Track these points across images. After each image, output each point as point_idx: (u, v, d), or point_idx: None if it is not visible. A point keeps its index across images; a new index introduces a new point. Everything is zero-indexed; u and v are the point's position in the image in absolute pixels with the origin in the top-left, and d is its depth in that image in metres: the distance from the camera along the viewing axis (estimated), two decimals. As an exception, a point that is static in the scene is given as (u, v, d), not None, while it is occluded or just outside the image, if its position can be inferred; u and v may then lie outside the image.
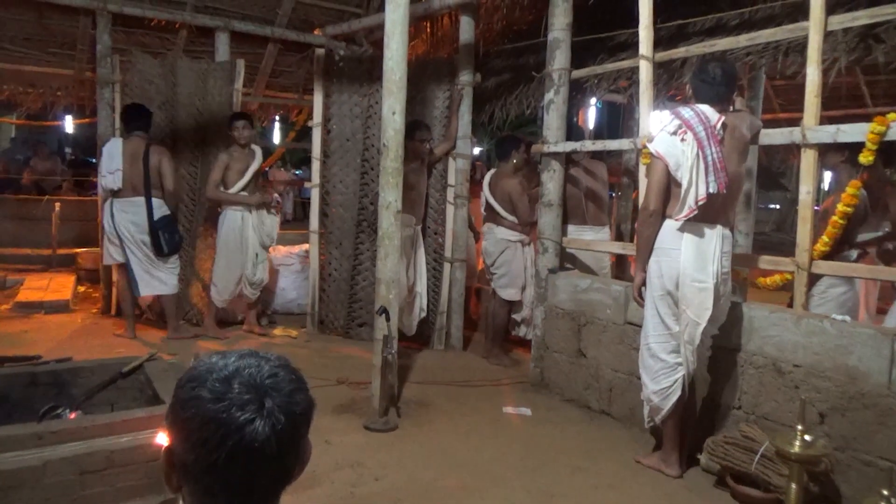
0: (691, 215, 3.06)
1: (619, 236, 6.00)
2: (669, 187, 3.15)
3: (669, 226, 3.16)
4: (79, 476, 2.51)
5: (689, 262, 3.09)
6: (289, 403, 0.96)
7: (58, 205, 8.26)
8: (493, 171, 5.54)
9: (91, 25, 6.03)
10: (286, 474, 0.99)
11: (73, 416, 2.96)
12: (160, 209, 5.20)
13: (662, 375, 3.22)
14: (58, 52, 6.48)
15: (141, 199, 5.14)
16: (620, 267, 5.74)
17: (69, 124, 14.99)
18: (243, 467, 0.93)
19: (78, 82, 6.84)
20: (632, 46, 4.51)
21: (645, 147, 3.74)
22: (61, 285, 6.81)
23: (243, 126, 5.45)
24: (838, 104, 7.34)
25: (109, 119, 5.96)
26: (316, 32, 6.68)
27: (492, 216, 5.33)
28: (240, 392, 0.93)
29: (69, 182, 11.38)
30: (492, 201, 5.29)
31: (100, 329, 5.61)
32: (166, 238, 5.20)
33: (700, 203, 3.03)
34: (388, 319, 3.82)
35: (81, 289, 7.05)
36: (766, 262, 3.61)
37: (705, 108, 3.11)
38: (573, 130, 4.95)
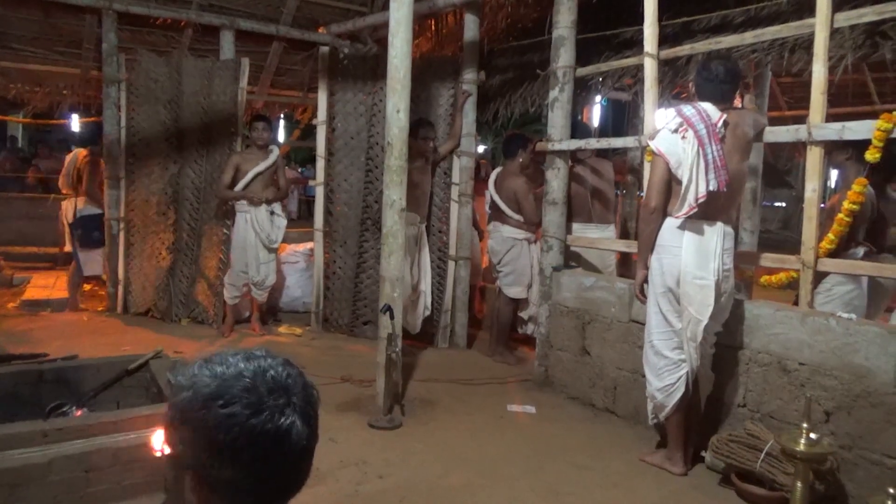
0: (692, 213, 3.06)
1: (624, 234, 5.99)
2: (671, 185, 3.15)
3: (670, 223, 3.16)
4: (84, 473, 2.53)
5: (689, 259, 3.09)
6: (307, 396, 0.99)
7: (64, 203, 8.28)
8: (498, 169, 5.53)
9: (97, 24, 6.05)
10: (309, 472, 1.02)
11: (78, 413, 2.97)
12: (83, 209, 6.10)
13: (666, 372, 3.22)
14: (64, 50, 6.50)
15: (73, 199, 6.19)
16: (625, 265, 5.72)
17: (75, 123, 15.01)
18: (292, 466, 0.96)
19: (84, 81, 6.87)
20: (637, 44, 4.49)
21: (648, 145, 3.74)
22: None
23: (263, 128, 5.56)
24: (845, 102, 7.30)
25: (115, 117, 5.99)
26: (320, 31, 6.68)
27: (497, 215, 5.33)
28: (272, 397, 0.94)
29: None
30: (497, 200, 5.29)
31: (106, 327, 5.63)
32: (78, 234, 6.10)
33: (700, 201, 3.03)
34: (392, 317, 3.83)
35: (87, 287, 7.07)
36: (771, 259, 3.60)
37: (707, 106, 3.10)
38: (578, 128, 4.94)
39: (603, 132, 9.53)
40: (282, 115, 11.13)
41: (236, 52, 6.36)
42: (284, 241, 6.33)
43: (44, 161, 11.59)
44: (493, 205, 5.35)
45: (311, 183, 6.91)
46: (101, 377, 3.31)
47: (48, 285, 6.72)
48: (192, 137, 5.94)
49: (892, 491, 2.24)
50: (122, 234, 6.05)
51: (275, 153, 5.64)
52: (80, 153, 6.37)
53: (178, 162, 5.97)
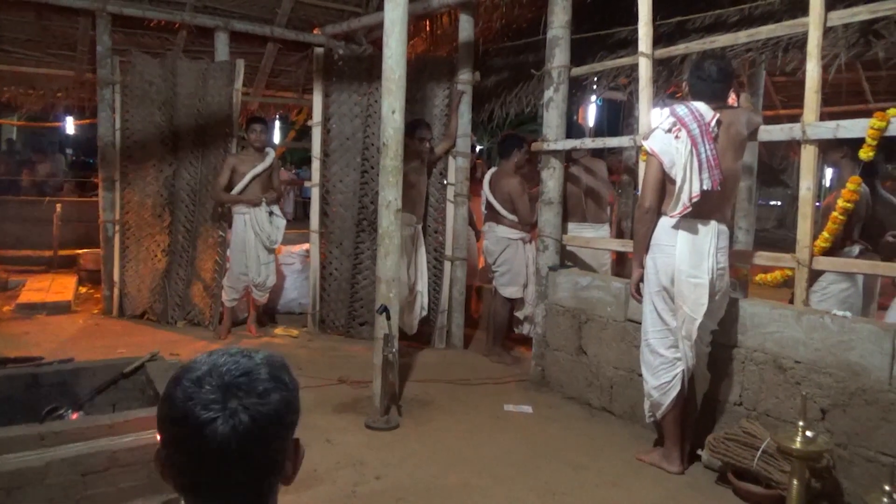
0: (686, 212, 3.07)
1: (619, 234, 6.00)
2: (665, 184, 3.17)
3: (665, 223, 3.18)
4: (81, 476, 2.52)
5: (683, 258, 3.10)
6: (256, 404, 0.94)
7: (59, 206, 8.27)
8: (493, 169, 5.54)
9: (91, 26, 6.04)
10: (257, 476, 0.96)
11: (75, 416, 2.96)
12: None
13: (662, 370, 3.23)
14: (58, 53, 6.49)
15: None
16: (621, 264, 5.73)
17: (70, 125, 14.98)
18: (208, 467, 0.93)
19: (78, 83, 6.86)
20: (631, 43, 4.50)
21: (643, 145, 3.75)
22: (63, 286, 6.82)
23: (261, 130, 5.57)
24: (840, 100, 7.33)
25: (110, 120, 5.98)
26: (315, 32, 6.68)
27: (492, 215, 5.33)
28: (206, 391, 0.93)
29: (70, 183, 11.39)
30: (492, 200, 5.29)
31: (102, 330, 5.62)
32: None
33: (694, 200, 3.04)
34: (388, 318, 3.83)
35: (83, 290, 7.06)
36: (766, 258, 3.62)
37: (700, 106, 3.12)
38: (573, 128, 4.94)
39: (598, 132, 9.56)
40: (277, 117, 11.12)
41: (231, 53, 6.35)
42: (280, 242, 6.34)
43: (41, 164, 11.57)
44: (488, 205, 5.36)
45: (306, 184, 6.91)
46: (97, 380, 3.29)
47: (43, 288, 6.70)
48: (187, 139, 5.93)
49: (887, 488, 2.25)
50: (117, 237, 6.04)
51: (271, 155, 5.64)
52: None
53: (173, 164, 5.96)
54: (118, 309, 6.04)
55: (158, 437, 0.98)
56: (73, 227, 8.43)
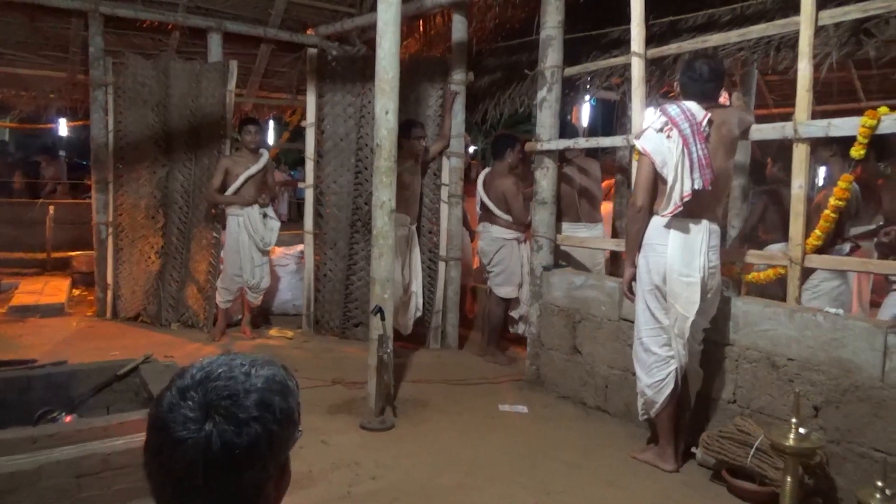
0: (677, 211, 3.08)
1: (614, 233, 6.00)
2: (657, 184, 3.18)
3: (656, 222, 3.19)
4: (75, 479, 2.51)
5: (675, 257, 3.12)
6: (233, 433, 0.89)
7: (52, 208, 8.24)
8: (487, 169, 5.54)
9: (83, 27, 6.02)
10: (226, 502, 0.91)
11: (68, 419, 2.95)
12: None
13: (656, 368, 3.24)
14: (50, 54, 6.46)
15: None
16: (615, 263, 5.74)
17: (63, 127, 14.93)
18: (173, 485, 0.90)
19: (71, 85, 6.83)
20: (624, 43, 4.51)
21: (635, 144, 3.76)
22: (56, 289, 6.80)
23: (255, 131, 5.57)
24: (831, 99, 7.36)
25: (103, 121, 5.96)
26: (309, 32, 6.67)
27: (487, 215, 5.33)
28: (187, 407, 0.90)
29: (63, 185, 11.35)
30: (486, 200, 5.29)
31: (95, 332, 5.61)
32: None
33: (685, 199, 3.05)
34: (383, 319, 3.83)
35: (76, 292, 7.04)
36: (758, 256, 3.63)
37: (691, 105, 3.13)
38: (567, 128, 4.95)
39: (592, 132, 9.56)
40: (271, 118, 11.10)
41: (224, 54, 6.34)
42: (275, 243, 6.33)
43: (48, 168, 11.54)
44: (483, 205, 5.36)
45: (300, 185, 6.89)
46: (91, 382, 3.28)
47: (36, 291, 6.67)
48: (181, 141, 5.91)
49: (880, 484, 2.26)
50: (110, 239, 6.02)
51: (265, 156, 5.64)
52: None
53: (166, 165, 5.95)
54: (112, 311, 6.02)
55: None
56: (67, 230, 8.40)
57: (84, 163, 13.49)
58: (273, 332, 5.84)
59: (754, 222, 4.48)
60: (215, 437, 0.88)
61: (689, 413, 3.37)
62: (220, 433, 0.88)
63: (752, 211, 4.68)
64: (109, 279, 6.01)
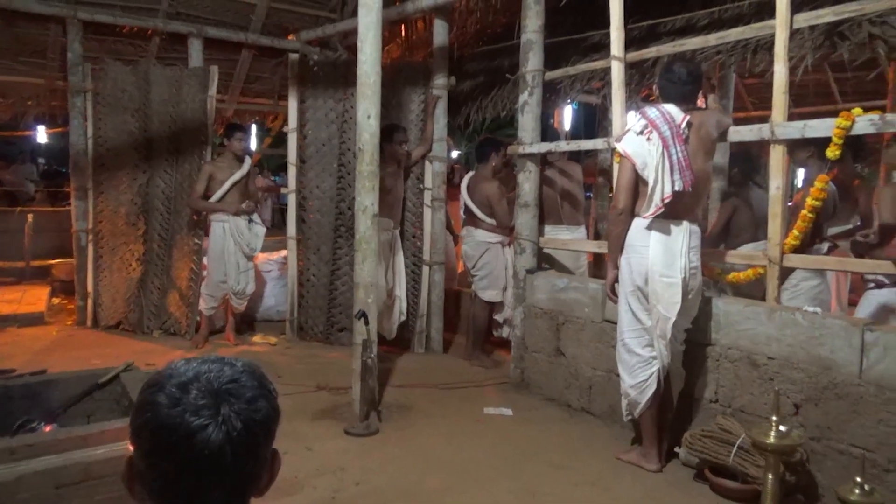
0: (658, 213, 3.11)
1: (596, 235, 6.05)
2: (638, 186, 3.21)
3: (638, 223, 3.22)
4: (55, 490, 2.48)
5: (657, 258, 3.14)
6: (248, 410, 0.93)
7: (30, 216, 8.13)
8: (471, 173, 5.56)
9: (61, 33, 5.96)
10: (242, 486, 0.95)
11: (48, 429, 2.92)
12: None
13: (639, 369, 3.27)
14: (28, 60, 6.39)
15: None
16: (598, 265, 5.78)
17: (41, 134, 14.76)
18: (195, 476, 0.89)
19: (49, 91, 6.76)
20: (604, 47, 4.55)
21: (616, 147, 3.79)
22: (35, 297, 6.71)
23: (242, 138, 5.61)
24: (809, 101, 7.48)
25: (82, 128, 5.90)
26: (290, 38, 6.66)
27: (471, 219, 5.34)
28: (196, 397, 0.91)
29: (42, 193, 11.22)
30: (470, 204, 5.30)
31: (75, 341, 5.54)
32: None
33: (666, 201, 3.08)
34: (367, 323, 3.82)
35: (56, 301, 6.95)
36: (738, 257, 3.67)
37: (671, 108, 3.17)
38: (549, 132, 4.98)
39: (575, 135, 9.63)
40: (253, 123, 11.05)
41: (205, 60, 6.31)
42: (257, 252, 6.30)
43: (5, 174, 11.38)
44: (467, 209, 5.37)
45: (283, 191, 6.87)
46: (71, 391, 3.24)
47: (15, 300, 6.57)
48: (162, 147, 5.87)
49: (858, 479, 2.30)
50: (90, 246, 5.95)
51: (248, 162, 5.65)
52: None
53: (147, 172, 5.90)
54: (92, 319, 5.96)
55: (132, 448, 0.95)
56: (46, 238, 8.29)
57: (63, 170, 13.35)
58: (257, 338, 5.81)
59: (721, 226, 4.55)
60: (234, 418, 0.91)
61: (672, 413, 3.40)
62: (238, 413, 0.91)
63: (718, 215, 4.75)
64: (90, 287, 5.95)
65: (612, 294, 3.41)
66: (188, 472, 0.90)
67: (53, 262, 7.56)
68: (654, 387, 3.24)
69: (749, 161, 4.80)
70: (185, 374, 0.95)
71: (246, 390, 0.95)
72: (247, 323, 6.14)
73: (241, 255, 5.51)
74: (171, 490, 0.91)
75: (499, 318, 5.38)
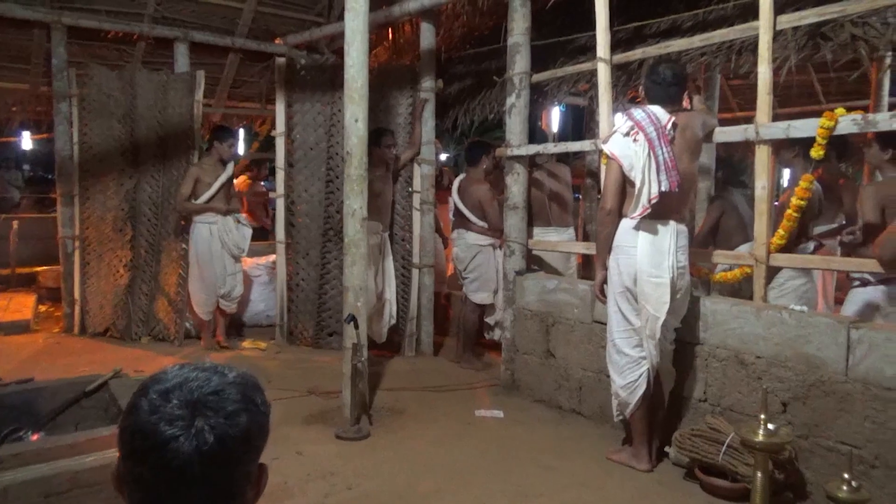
0: (645, 213, 3.13)
1: (585, 237, 6.07)
2: (625, 187, 3.23)
3: (626, 224, 3.24)
4: (43, 499, 2.45)
5: (645, 258, 3.16)
6: (224, 425, 0.91)
7: (15, 223, 8.06)
8: (461, 176, 5.56)
9: (46, 39, 5.92)
10: (222, 500, 0.93)
11: (35, 437, 2.89)
12: None
13: (628, 369, 3.28)
14: (12, 66, 6.36)
15: None
16: (587, 267, 5.80)
17: (27, 140, 14.63)
18: (166, 485, 0.89)
19: (34, 97, 6.72)
20: (590, 49, 4.57)
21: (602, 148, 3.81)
22: (21, 305, 6.65)
23: (233, 144, 5.63)
24: (794, 102, 7.54)
25: (67, 134, 5.86)
26: (277, 42, 6.64)
27: (462, 222, 5.35)
28: (174, 406, 0.91)
29: (28, 199, 11.12)
30: (461, 207, 5.31)
31: (63, 349, 5.49)
32: None
33: (653, 201, 3.10)
34: (356, 327, 3.81)
35: (43, 308, 6.88)
36: (725, 256, 3.70)
37: (656, 109, 3.19)
38: (537, 134, 5.00)
39: (563, 137, 9.66)
40: (241, 128, 11.02)
41: (191, 64, 6.29)
42: (246, 254, 6.28)
43: None
44: (457, 212, 5.38)
45: (271, 195, 6.85)
46: (59, 399, 3.21)
47: (0, 308, 6.51)
48: (148, 152, 5.84)
49: (846, 476, 2.32)
50: (77, 253, 5.91)
51: (230, 164, 5.64)
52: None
53: (133, 177, 5.86)
54: (80, 326, 5.91)
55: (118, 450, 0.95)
56: (32, 245, 8.23)
57: (49, 176, 13.24)
58: (246, 343, 5.78)
59: (709, 228, 4.57)
60: (207, 432, 0.89)
61: (664, 412, 3.41)
62: (213, 426, 0.90)
63: (706, 217, 4.79)
64: (77, 294, 5.90)
65: (602, 295, 3.43)
66: (160, 480, 0.90)
67: (39, 269, 7.50)
68: (643, 387, 3.26)
69: (730, 166, 4.86)
70: (170, 381, 0.94)
71: (227, 403, 0.93)
72: (236, 328, 6.12)
73: (227, 256, 5.51)
74: (147, 497, 0.92)
75: (490, 320, 5.38)
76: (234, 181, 6.10)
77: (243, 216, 5.69)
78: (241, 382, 0.97)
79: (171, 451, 0.88)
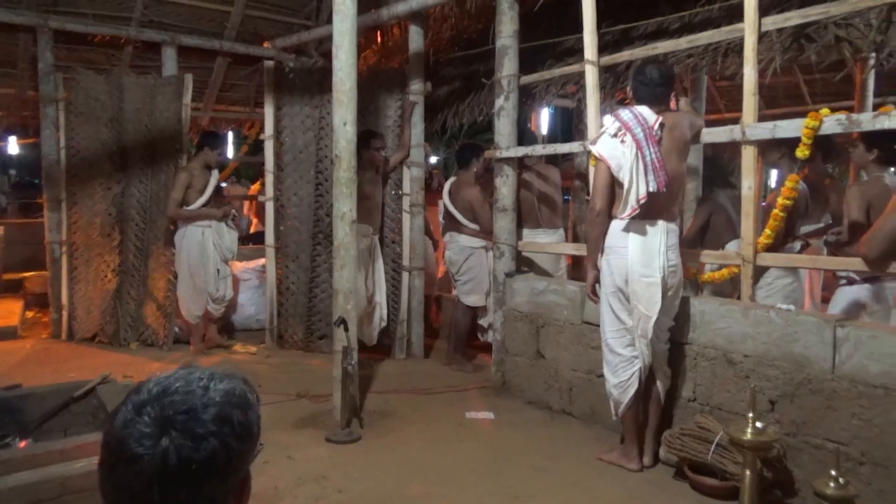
0: (634, 214, 3.15)
1: (575, 238, 6.09)
2: (614, 188, 3.24)
3: (616, 225, 3.26)
4: (31, 505, 2.44)
5: (635, 258, 3.18)
6: (189, 448, 0.88)
7: (1, 228, 8.00)
8: (452, 179, 5.57)
9: (32, 42, 5.88)
10: None
11: (23, 444, 2.87)
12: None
13: (621, 369, 3.30)
14: (-4, 71, 6.31)
15: None
16: (577, 268, 5.82)
17: (13, 145, 14.52)
18: (130, 499, 0.89)
19: (20, 101, 6.67)
20: (578, 51, 4.59)
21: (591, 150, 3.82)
22: (8, 311, 6.59)
23: (221, 153, 5.69)
24: (780, 103, 7.61)
25: (54, 138, 5.82)
26: (265, 45, 6.64)
27: (453, 224, 5.35)
28: (144, 424, 0.89)
29: (13, 205, 11.04)
30: (452, 210, 5.31)
31: (50, 355, 5.45)
32: None
33: (641, 202, 3.12)
34: (346, 330, 3.81)
35: (30, 314, 6.84)
36: (712, 256, 3.72)
37: (643, 110, 3.21)
38: (526, 136, 5.01)
39: (552, 139, 9.72)
40: (230, 131, 11.00)
41: (179, 68, 6.26)
42: (236, 258, 6.27)
43: None
44: (448, 215, 5.38)
45: (260, 198, 6.83)
46: (47, 405, 3.19)
47: (-13, 314, 6.46)
48: (136, 156, 5.81)
49: (833, 473, 2.34)
50: (64, 258, 5.86)
51: (216, 170, 5.69)
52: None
53: (121, 182, 5.83)
54: (67, 332, 5.86)
55: None
56: (18, 250, 8.16)
57: (36, 181, 13.15)
58: (236, 347, 5.77)
59: (697, 228, 4.61)
60: (172, 453, 0.87)
61: (661, 412, 3.42)
62: (178, 448, 0.88)
63: (694, 217, 4.82)
64: (64, 299, 5.86)
65: (594, 295, 3.44)
66: (123, 494, 0.90)
67: (26, 274, 7.44)
68: (635, 386, 3.28)
69: (715, 168, 4.90)
70: (148, 393, 0.93)
71: (198, 425, 0.90)
72: (226, 332, 6.09)
73: (218, 260, 5.54)
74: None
75: (483, 322, 5.38)
76: (252, 186, 6.13)
77: (231, 220, 5.69)
78: (221, 401, 0.93)
79: (134, 469, 0.87)
